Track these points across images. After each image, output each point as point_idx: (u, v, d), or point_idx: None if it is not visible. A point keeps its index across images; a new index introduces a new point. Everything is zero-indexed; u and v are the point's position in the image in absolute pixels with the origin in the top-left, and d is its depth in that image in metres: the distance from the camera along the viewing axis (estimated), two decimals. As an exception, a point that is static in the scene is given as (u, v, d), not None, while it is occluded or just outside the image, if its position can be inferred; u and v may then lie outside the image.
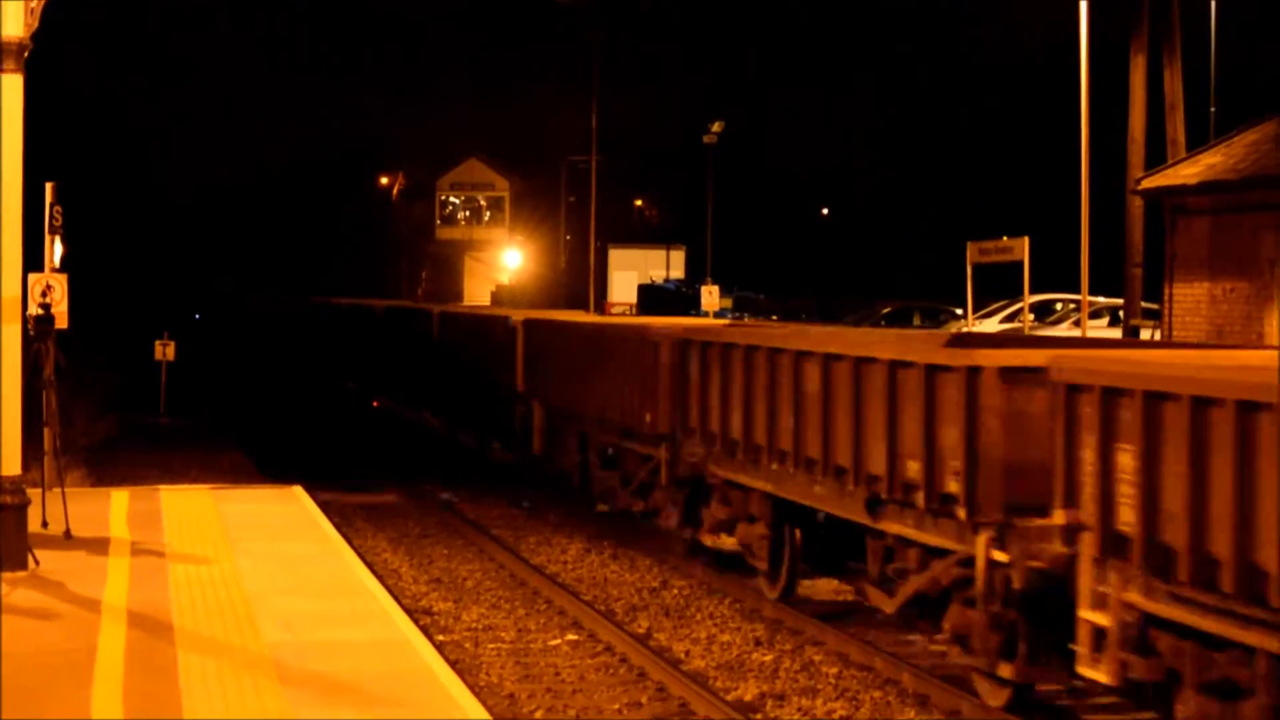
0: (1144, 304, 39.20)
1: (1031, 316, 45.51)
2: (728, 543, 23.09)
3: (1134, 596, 13.79)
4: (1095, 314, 44.98)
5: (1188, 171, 32.53)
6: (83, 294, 24.90)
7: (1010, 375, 16.16)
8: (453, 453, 41.14)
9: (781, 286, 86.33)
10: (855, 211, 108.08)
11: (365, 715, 12.75)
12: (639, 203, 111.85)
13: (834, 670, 18.63)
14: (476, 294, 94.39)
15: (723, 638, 20.35)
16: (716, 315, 56.69)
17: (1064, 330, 45.00)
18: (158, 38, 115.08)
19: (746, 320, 54.44)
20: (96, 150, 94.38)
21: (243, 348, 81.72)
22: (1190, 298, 31.76)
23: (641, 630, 20.79)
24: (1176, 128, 38.52)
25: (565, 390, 31.22)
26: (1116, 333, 41.84)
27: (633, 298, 74.89)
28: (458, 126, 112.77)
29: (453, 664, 15.45)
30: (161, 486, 25.86)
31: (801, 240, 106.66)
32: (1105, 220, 40.51)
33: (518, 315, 37.64)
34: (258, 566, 18.59)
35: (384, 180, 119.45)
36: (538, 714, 16.87)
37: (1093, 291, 41.44)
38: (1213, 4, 48.63)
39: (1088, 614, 14.24)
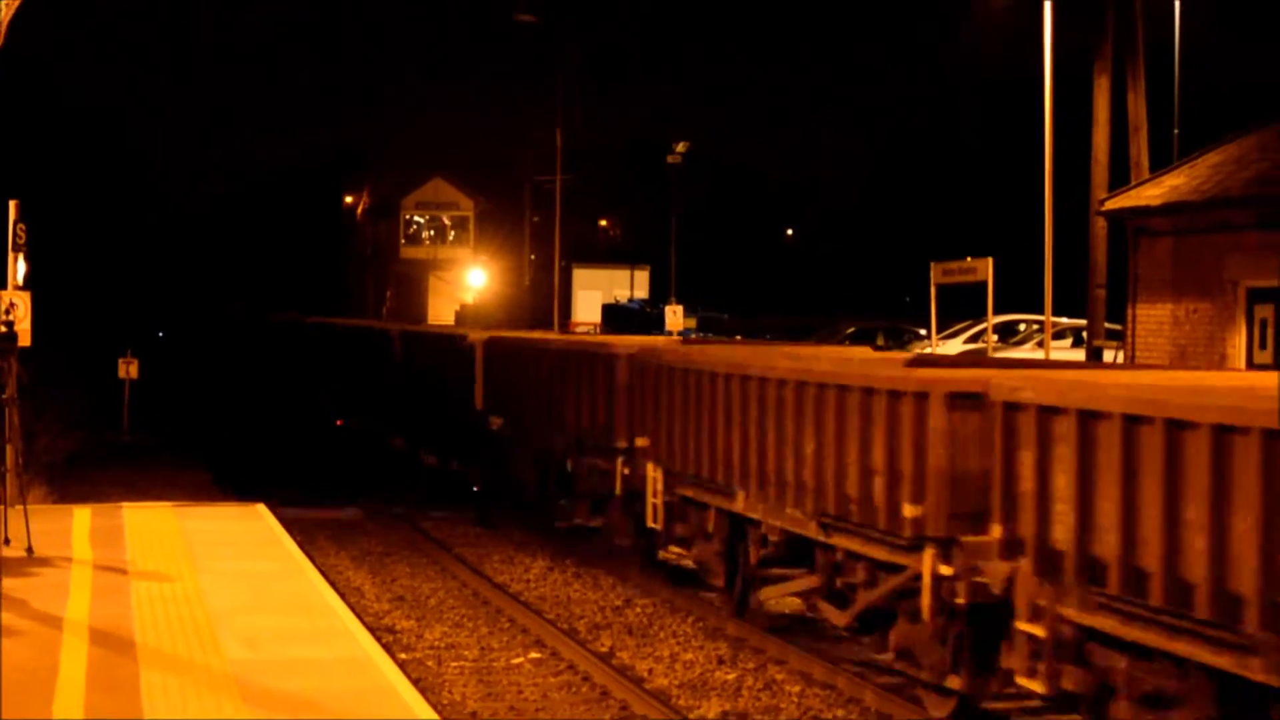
0: (1107, 325, 39.29)
1: (995, 337, 45.61)
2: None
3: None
4: (1058, 335, 45.08)
5: (1151, 193, 32.62)
6: (47, 311, 24.84)
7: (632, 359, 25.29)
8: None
9: (747, 306, 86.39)
10: (820, 232, 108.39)
11: (328, 733, 12.72)
12: (604, 222, 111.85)
13: (796, 689, 18.66)
14: (441, 313, 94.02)
15: (685, 656, 20.36)
16: (681, 334, 56.72)
17: (1027, 351, 45.11)
18: (123, 59, 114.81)
19: (692, 338, 54.33)
20: (61, 167, 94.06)
21: (206, 365, 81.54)
22: (1153, 319, 31.83)
23: (604, 649, 20.79)
24: (1140, 149, 38.64)
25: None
26: (1080, 354, 41.93)
27: (597, 317, 74.71)
28: (422, 146, 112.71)
29: (415, 682, 15.41)
30: (124, 504, 25.75)
31: (767, 260, 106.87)
32: (1069, 241, 40.64)
33: (394, 329, 47.35)
34: (221, 584, 18.53)
35: (349, 199, 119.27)
36: (501, 732, 16.86)
37: (1056, 312, 41.53)
38: (1177, 27, 48.83)
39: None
